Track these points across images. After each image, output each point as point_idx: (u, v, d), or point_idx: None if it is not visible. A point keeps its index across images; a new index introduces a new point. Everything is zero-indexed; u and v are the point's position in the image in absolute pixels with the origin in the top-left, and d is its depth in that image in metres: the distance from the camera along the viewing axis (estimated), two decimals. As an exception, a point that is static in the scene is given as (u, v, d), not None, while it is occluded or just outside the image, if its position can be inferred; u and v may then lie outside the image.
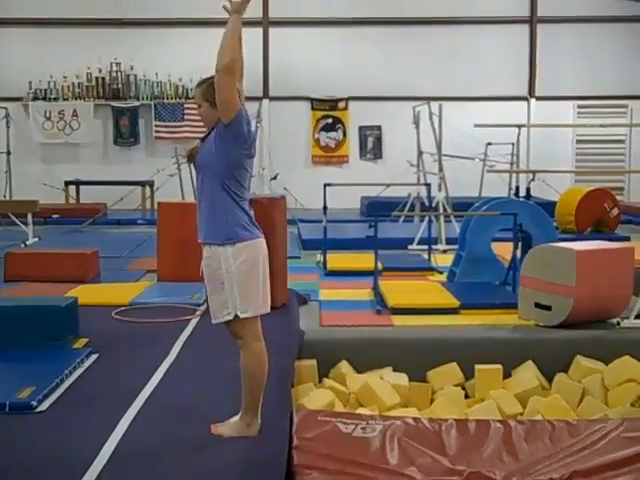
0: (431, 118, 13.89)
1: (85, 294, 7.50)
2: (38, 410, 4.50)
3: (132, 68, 18.59)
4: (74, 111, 18.56)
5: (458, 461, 4.32)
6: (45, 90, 18.57)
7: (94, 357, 5.59)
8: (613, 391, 6.18)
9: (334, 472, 4.09)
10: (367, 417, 5.06)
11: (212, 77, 4.02)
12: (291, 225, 12.67)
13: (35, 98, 18.55)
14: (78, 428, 4.25)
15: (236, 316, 4.02)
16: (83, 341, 5.95)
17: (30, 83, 18.51)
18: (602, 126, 16.86)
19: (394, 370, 6.42)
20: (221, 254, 3.97)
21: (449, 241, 11.52)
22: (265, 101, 18.48)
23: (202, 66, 18.62)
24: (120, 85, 18.69)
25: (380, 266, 8.56)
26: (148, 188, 17.24)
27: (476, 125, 15.12)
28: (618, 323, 6.98)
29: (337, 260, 9.98)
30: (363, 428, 4.90)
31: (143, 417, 4.40)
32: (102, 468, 3.69)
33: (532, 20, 18.84)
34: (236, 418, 4.19)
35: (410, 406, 6.04)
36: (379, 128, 18.95)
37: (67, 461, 3.79)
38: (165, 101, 18.61)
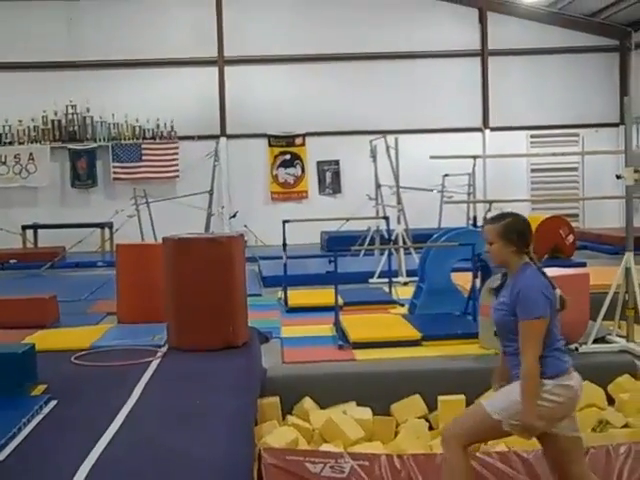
0: (388, 151, 14.06)
1: (44, 339, 7.40)
2: (-4, 460, 4.42)
3: (88, 110, 18.56)
4: (30, 154, 18.44)
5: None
6: (0, 134, 18.43)
7: (53, 403, 5.50)
8: (574, 416, 6.22)
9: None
10: (335, 455, 5.04)
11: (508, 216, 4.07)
12: (252, 262, 12.71)
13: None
14: (38, 477, 4.17)
15: None
16: (42, 388, 5.85)
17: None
18: (554, 155, 17.19)
19: (358, 404, 6.42)
20: None
21: (409, 273, 11.59)
22: (222, 139, 18.55)
23: (158, 106, 18.83)
24: (76, 127, 18.63)
25: (341, 301, 8.58)
26: (107, 230, 17.13)
27: (432, 157, 15.29)
28: (577, 349, 7.06)
29: (298, 296, 9.98)
30: (332, 467, 4.87)
31: (105, 462, 4.34)
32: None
33: (483, 53, 19.21)
34: None
35: (374, 440, 6.03)
36: (337, 163, 19.10)
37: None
38: (122, 142, 18.58)
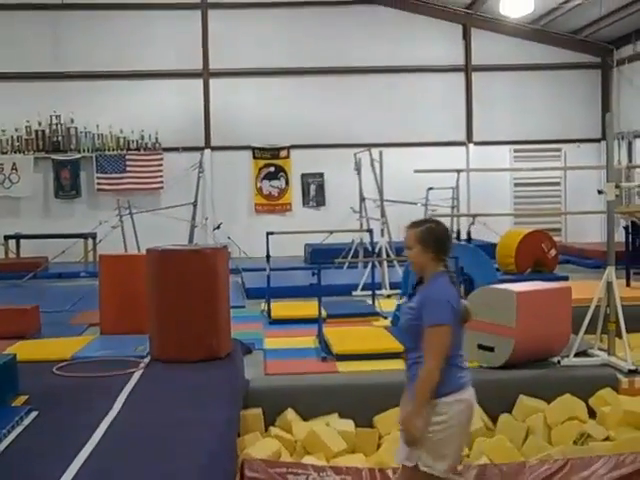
0: (372, 164, 14.11)
1: (25, 350, 7.35)
2: (-24, 471, 4.39)
3: (72, 121, 18.50)
4: (13, 164, 18.33)
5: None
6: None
7: (34, 415, 5.47)
8: (556, 429, 6.27)
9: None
10: (318, 468, 5.04)
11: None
12: (235, 274, 12.71)
13: (-27, 153, 18.33)
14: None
15: None
16: (22, 399, 5.82)
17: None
18: (537, 169, 17.33)
19: (340, 416, 6.42)
20: None
21: (393, 286, 11.61)
22: (207, 151, 18.52)
23: (143, 117, 18.80)
24: (60, 138, 18.55)
25: (324, 313, 8.59)
26: (91, 240, 17.05)
27: (416, 171, 15.39)
28: (559, 362, 7.11)
29: (281, 308, 9.99)
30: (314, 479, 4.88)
31: (86, 473, 4.31)
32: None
33: (467, 68, 19.34)
34: None
35: (357, 452, 6.03)
36: (321, 175, 19.12)
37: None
38: (106, 153, 18.52)
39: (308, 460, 5.60)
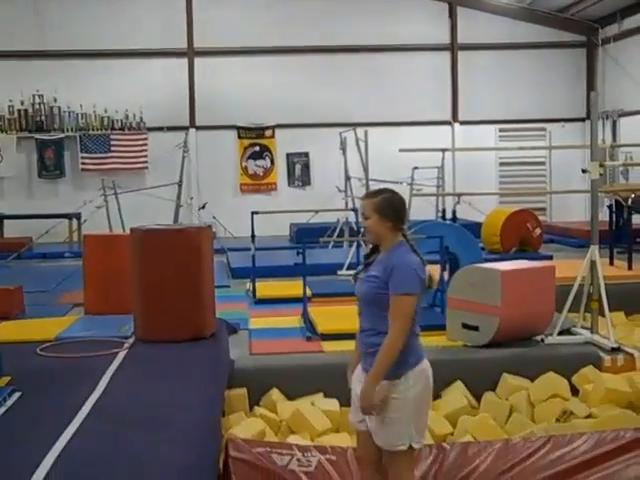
0: (357, 144, 14.08)
1: (8, 331, 7.33)
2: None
3: (55, 100, 18.32)
4: (-4, 144, 18.20)
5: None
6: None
7: (17, 395, 5.45)
8: (539, 407, 6.31)
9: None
10: (302, 448, 5.04)
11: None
12: (220, 254, 12.67)
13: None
14: (2, 467, 4.13)
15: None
16: (5, 380, 5.79)
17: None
18: (522, 149, 17.33)
19: (325, 396, 6.44)
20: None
21: (378, 265, 11.59)
22: (192, 130, 18.44)
23: (127, 97, 18.64)
24: (44, 117, 18.40)
25: (309, 292, 8.59)
26: (75, 221, 16.96)
27: (401, 150, 15.39)
28: (542, 340, 7.15)
29: (266, 288, 9.97)
30: (299, 460, 4.88)
31: (70, 453, 4.30)
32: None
33: (453, 47, 19.27)
34: None
35: (342, 431, 6.05)
36: (306, 155, 19.07)
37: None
38: (91, 132, 18.38)
39: (293, 440, 5.62)
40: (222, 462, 4.83)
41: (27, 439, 4.57)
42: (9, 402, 5.30)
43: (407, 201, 15.74)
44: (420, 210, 14.86)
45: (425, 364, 3.93)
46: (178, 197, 16.30)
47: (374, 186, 13.68)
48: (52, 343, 7.05)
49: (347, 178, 14.51)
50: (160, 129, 18.25)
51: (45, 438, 4.50)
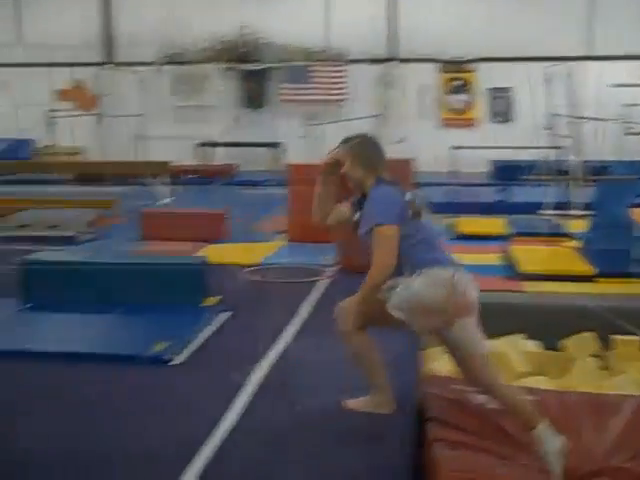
0: (565, 79, 13.38)
1: (215, 253, 7.65)
2: (172, 363, 4.66)
3: (260, 31, 18.72)
4: (205, 75, 18.90)
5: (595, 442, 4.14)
6: (176, 54, 18.96)
7: (227, 315, 5.70)
8: None
9: (469, 446, 4.00)
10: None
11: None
12: (418, 188, 12.57)
13: (168, 62, 18.99)
14: (210, 384, 4.37)
15: None
16: (214, 299, 6.05)
17: (162, 48, 18.93)
18: None
19: (526, 337, 6.26)
20: None
21: (584, 206, 11.09)
22: (393, 63, 18.26)
23: (329, 29, 18.62)
24: (248, 48, 18.87)
25: (510, 231, 8.35)
26: (277, 149, 17.34)
27: (614, 85, 14.47)
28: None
29: (466, 224, 9.79)
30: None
31: (285, 360, 4.59)
32: (227, 436, 3.74)
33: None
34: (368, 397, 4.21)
35: (543, 375, 5.87)
36: (509, 90, 18.42)
37: (201, 412, 3.94)
38: (292, 64, 18.67)
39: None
40: (419, 398, 4.82)
41: (235, 361, 4.76)
42: (220, 321, 5.55)
43: (618, 140, 14.93)
44: (632, 151, 14.00)
45: (445, 272, 3.84)
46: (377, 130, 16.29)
47: (581, 124, 13.00)
48: (258, 267, 7.30)
49: (552, 115, 13.86)
50: (361, 61, 18.20)
51: (258, 353, 4.78)
